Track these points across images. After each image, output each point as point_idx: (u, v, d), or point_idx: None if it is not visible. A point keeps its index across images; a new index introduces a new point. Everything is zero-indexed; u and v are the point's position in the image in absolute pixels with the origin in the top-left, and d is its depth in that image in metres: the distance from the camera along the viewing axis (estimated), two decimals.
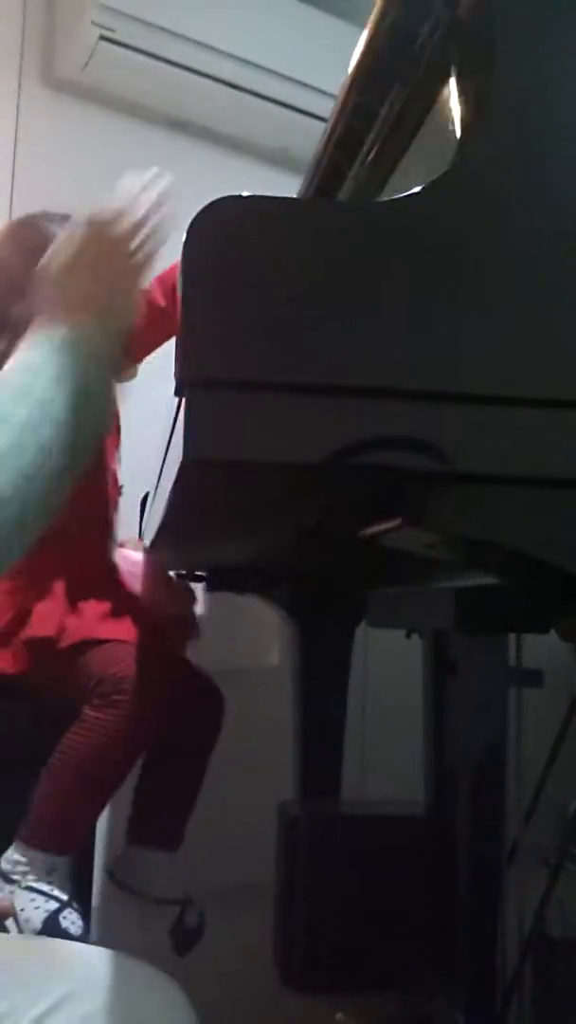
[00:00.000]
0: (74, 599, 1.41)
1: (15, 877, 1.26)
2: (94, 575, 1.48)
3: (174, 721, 1.44)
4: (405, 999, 1.37)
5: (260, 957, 1.52)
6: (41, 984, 0.68)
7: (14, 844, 1.30)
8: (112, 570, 1.54)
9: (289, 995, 1.44)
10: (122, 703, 1.30)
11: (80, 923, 1.26)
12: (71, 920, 1.25)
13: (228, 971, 1.56)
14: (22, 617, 1.39)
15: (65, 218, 1.52)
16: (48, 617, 1.38)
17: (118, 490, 1.62)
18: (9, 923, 1.18)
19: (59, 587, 1.41)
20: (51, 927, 1.22)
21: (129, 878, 1.48)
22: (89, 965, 0.72)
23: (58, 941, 0.79)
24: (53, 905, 1.24)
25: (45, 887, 1.26)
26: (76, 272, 0.78)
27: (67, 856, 1.31)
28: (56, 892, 1.26)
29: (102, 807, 1.39)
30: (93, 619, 1.39)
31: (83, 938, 1.27)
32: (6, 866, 1.28)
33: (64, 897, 1.27)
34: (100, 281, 0.77)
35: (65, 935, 1.22)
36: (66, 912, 1.25)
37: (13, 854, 1.29)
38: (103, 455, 1.54)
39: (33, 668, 1.37)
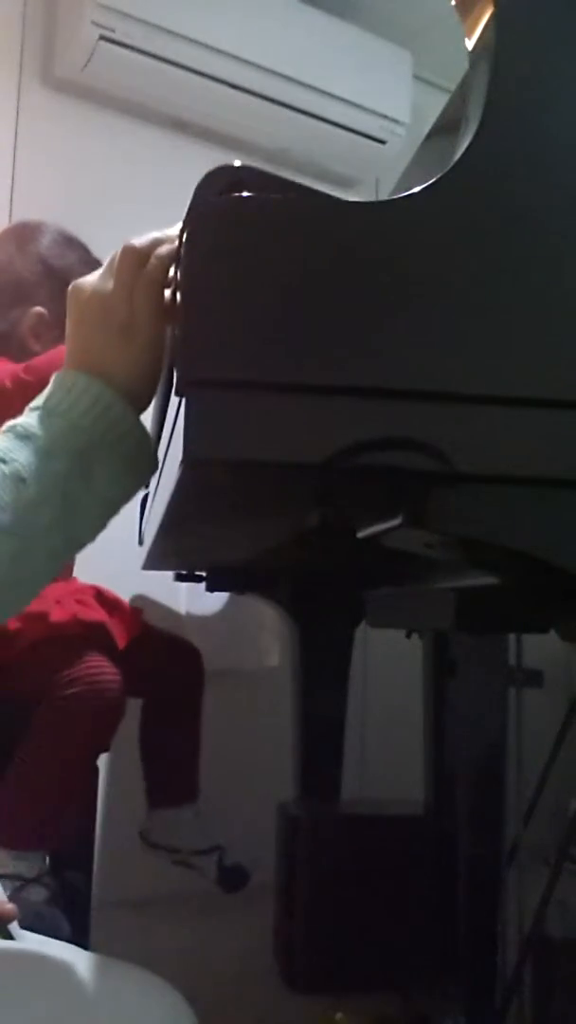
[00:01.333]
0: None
1: None
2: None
3: (157, 685, 1.44)
4: (405, 999, 1.37)
5: (260, 957, 1.53)
6: (40, 991, 0.68)
7: None
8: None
9: (289, 995, 1.44)
10: (70, 696, 1.29)
11: (40, 892, 1.26)
12: (35, 892, 1.25)
13: (228, 971, 1.56)
14: None
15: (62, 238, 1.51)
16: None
17: None
18: (30, 935, 1.18)
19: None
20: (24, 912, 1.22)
21: (162, 839, 1.50)
22: (88, 972, 0.72)
23: (58, 950, 0.79)
24: (15, 884, 1.25)
25: (11, 870, 1.26)
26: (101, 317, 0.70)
27: (40, 851, 1.31)
28: (22, 871, 1.27)
29: (65, 801, 1.39)
30: (38, 618, 1.37)
31: (49, 908, 1.27)
32: None
33: (31, 874, 1.27)
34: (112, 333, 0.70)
35: (38, 916, 1.22)
36: (30, 888, 1.25)
37: None
38: None
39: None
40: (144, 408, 0.69)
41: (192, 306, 0.66)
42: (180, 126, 2.22)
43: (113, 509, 0.68)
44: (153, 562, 1.51)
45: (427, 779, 1.48)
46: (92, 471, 0.65)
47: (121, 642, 1.41)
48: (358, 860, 1.46)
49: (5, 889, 1.28)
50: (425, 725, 1.47)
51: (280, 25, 2.16)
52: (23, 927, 0.82)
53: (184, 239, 0.68)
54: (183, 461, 0.66)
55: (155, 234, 0.71)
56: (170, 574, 1.76)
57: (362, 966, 1.43)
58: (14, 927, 0.83)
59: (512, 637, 1.12)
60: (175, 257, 0.69)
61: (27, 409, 0.67)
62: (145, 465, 0.69)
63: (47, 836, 1.33)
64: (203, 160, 1.76)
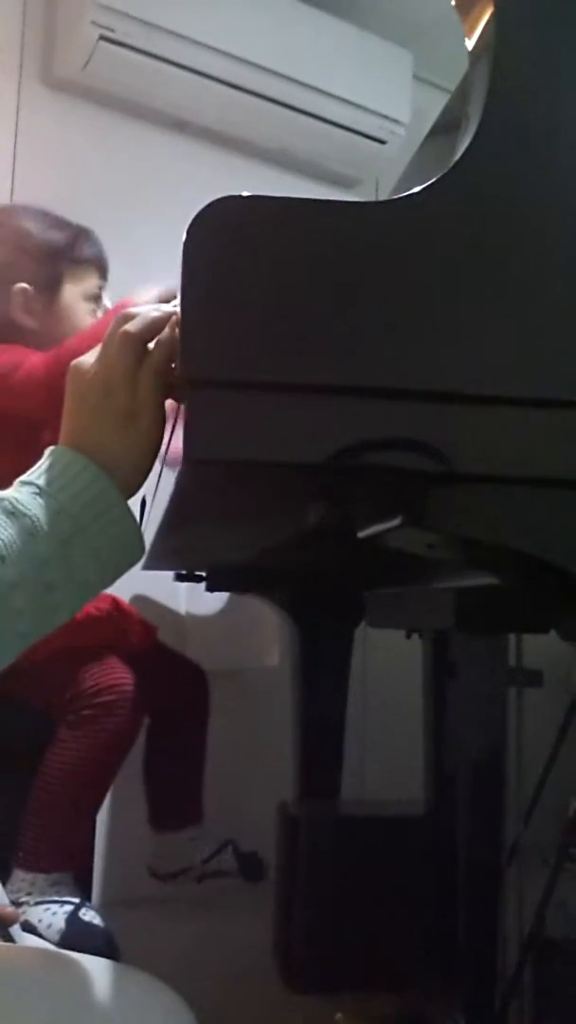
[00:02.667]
0: None
1: (23, 899, 1.26)
2: None
3: (164, 709, 1.43)
4: (405, 999, 1.37)
5: (260, 957, 1.53)
6: (41, 996, 0.68)
7: (14, 871, 1.29)
8: None
9: (289, 995, 1.44)
10: (93, 716, 1.29)
11: (99, 917, 1.26)
12: (91, 915, 1.25)
13: (228, 971, 1.56)
14: None
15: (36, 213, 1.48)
16: None
17: None
18: (31, 938, 1.18)
19: None
20: (74, 924, 1.22)
21: (172, 866, 1.49)
22: (89, 974, 0.72)
23: (58, 953, 0.79)
24: (69, 907, 1.24)
25: (55, 897, 1.26)
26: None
27: (70, 870, 1.31)
28: (67, 897, 1.26)
29: (93, 816, 1.39)
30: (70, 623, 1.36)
31: (106, 931, 1.27)
32: (11, 894, 1.27)
33: (76, 900, 1.27)
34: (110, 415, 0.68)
35: (89, 928, 1.22)
36: (83, 910, 1.25)
37: (16, 880, 1.28)
38: None
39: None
40: (134, 493, 0.68)
41: (192, 306, 0.66)
42: (180, 126, 2.22)
43: (91, 594, 0.66)
44: (153, 562, 1.51)
45: (427, 779, 1.48)
46: (74, 558, 0.63)
47: (136, 649, 1.41)
48: (358, 860, 1.46)
49: (8, 894, 1.28)
50: (425, 725, 1.47)
51: (280, 25, 2.16)
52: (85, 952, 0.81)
53: (184, 239, 0.68)
54: (183, 461, 0.66)
55: (152, 312, 0.69)
56: (170, 574, 1.76)
57: (362, 966, 1.43)
58: (15, 930, 0.83)
59: (512, 637, 1.12)
60: (177, 341, 0.68)
61: (17, 482, 0.65)
62: (130, 555, 0.67)
63: (77, 852, 1.33)
64: (203, 160, 1.79)
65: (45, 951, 0.80)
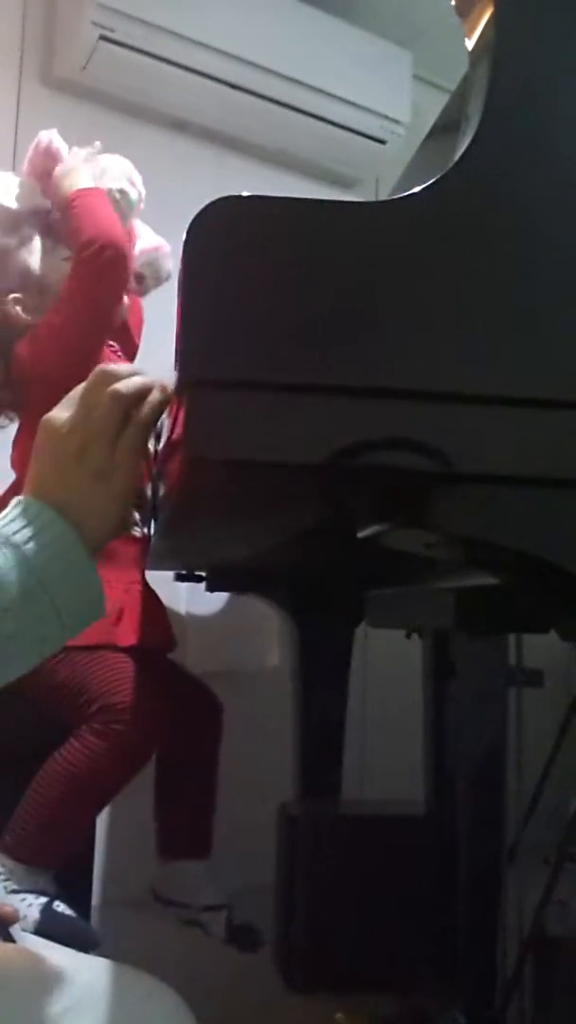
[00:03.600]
0: None
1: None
2: (106, 562, 1.43)
3: (177, 733, 1.42)
4: (405, 999, 1.37)
5: (260, 957, 1.52)
6: (41, 996, 0.68)
7: None
8: (129, 546, 1.50)
9: (289, 995, 1.44)
10: (122, 732, 1.28)
11: (65, 907, 1.26)
12: (63, 907, 1.25)
13: (228, 971, 1.56)
14: None
15: None
16: None
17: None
18: (31, 938, 1.18)
19: None
20: (48, 915, 1.21)
21: (172, 893, 1.48)
22: (89, 976, 0.72)
23: (58, 953, 0.79)
24: (44, 899, 1.24)
25: (29, 887, 1.25)
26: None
27: (51, 869, 1.30)
28: (42, 887, 1.26)
29: (90, 824, 1.38)
30: (105, 622, 1.35)
31: (80, 921, 1.26)
32: None
33: (50, 893, 1.26)
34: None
35: (64, 918, 1.22)
36: (56, 902, 1.24)
37: None
38: None
39: None
40: (99, 549, 0.66)
41: (192, 306, 0.66)
42: (180, 126, 2.22)
43: (48, 650, 0.65)
44: (153, 562, 1.51)
45: (427, 779, 1.48)
46: (34, 613, 0.61)
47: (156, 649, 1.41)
48: (358, 860, 1.45)
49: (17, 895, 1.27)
50: (425, 725, 1.47)
51: (280, 25, 2.16)
52: (59, 942, 0.81)
53: (184, 239, 0.68)
54: (183, 460, 0.66)
55: (139, 378, 0.66)
56: (170, 574, 1.76)
57: (362, 966, 1.43)
58: (15, 930, 0.83)
59: (512, 637, 1.12)
60: (162, 410, 0.66)
61: None
62: (91, 614, 0.66)
63: (63, 854, 1.32)
64: (203, 160, 1.79)
65: (45, 952, 0.80)
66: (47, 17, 2.10)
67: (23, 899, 1.24)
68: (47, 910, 1.22)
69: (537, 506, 0.72)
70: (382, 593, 1.48)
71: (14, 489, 1.42)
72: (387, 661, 1.96)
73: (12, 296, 1.45)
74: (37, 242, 1.49)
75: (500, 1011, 1.08)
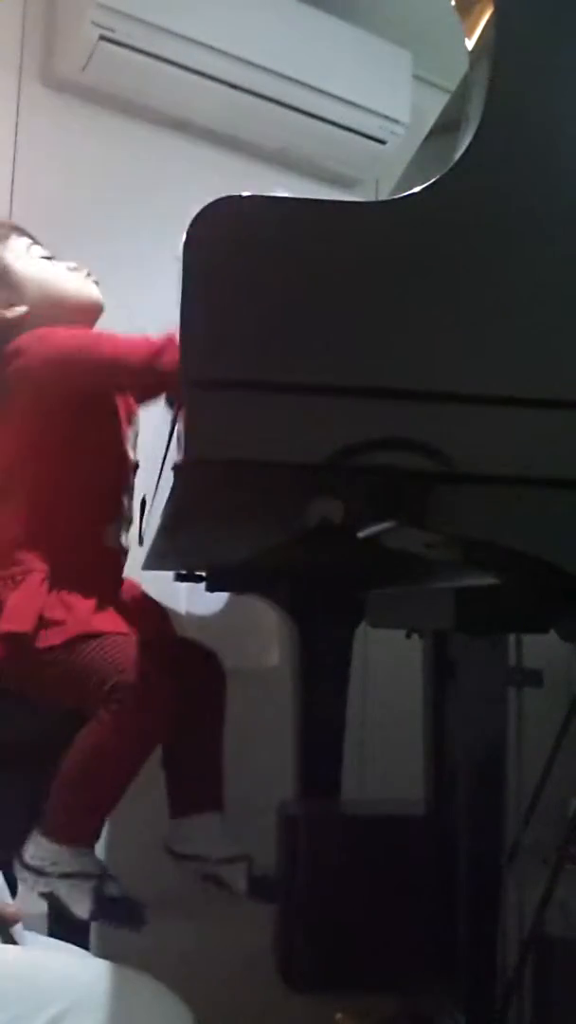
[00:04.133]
0: (58, 588, 1.36)
1: (48, 870, 1.27)
2: (84, 561, 1.43)
3: (184, 696, 1.43)
4: (405, 999, 1.37)
5: (260, 957, 1.52)
6: (43, 997, 0.68)
7: (37, 840, 1.29)
8: (106, 558, 1.51)
9: (289, 995, 1.44)
10: (140, 706, 1.29)
11: (119, 888, 1.29)
12: (113, 888, 1.28)
13: (228, 971, 1.56)
14: None
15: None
16: (23, 610, 1.33)
17: (130, 468, 1.55)
18: (31, 936, 1.19)
19: (37, 576, 1.37)
20: (100, 900, 1.26)
21: (188, 848, 1.49)
22: (89, 978, 0.72)
23: (57, 955, 0.79)
24: (93, 881, 1.26)
25: (78, 868, 1.27)
26: None
27: (93, 845, 1.32)
28: (89, 869, 1.28)
29: (121, 797, 1.39)
30: (85, 612, 1.35)
31: (131, 902, 1.29)
32: (35, 860, 1.28)
33: (97, 872, 1.28)
34: None
35: (115, 903, 1.26)
36: (107, 883, 1.27)
37: (40, 848, 1.29)
38: (108, 430, 1.50)
39: (8, 665, 1.34)
40: None
41: (192, 306, 0.66)
42: (180, 126, 2.22)
43: None
44: (153, 562, 1.51)
45: (427, 779, 1.48)
46: None
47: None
48: (358, 860, 1.45)
49: (31, 860, 1.28)
50: (425, 725, 1.47)
51: (280, 25, 2.15)
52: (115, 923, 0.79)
53: (184, 239, 0.68)
54: (184, 460, 0.66)
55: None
56: (170, 574, 1.76)
57: (362, 966, 1.43)
58: (18, 930, 0.83)
59: (512, 637, 1.12)
60: None
61: None
62: None
63: (99, 829, 1.34)
64: (203, 160, 1.80)
65: (45, 953, 0.80)
66: (47, 17, 2.10)
67: (72, 884, 1.25)
68: (99, 895, 1.24)
69: (537, 506, 0.72)
70: (382, 593, 1.48)
71: None
72: (387, 661, 1.96)
73: None
74: (15, 241, 1.51)
75: (500, 1011, 1.08)
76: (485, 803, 1.07)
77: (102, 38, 1.97)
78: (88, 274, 1.54)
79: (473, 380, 0.69)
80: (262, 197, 0.68)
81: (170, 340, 1.25)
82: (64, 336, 1.40)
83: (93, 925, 1.43)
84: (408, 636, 1.52)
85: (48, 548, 1.38)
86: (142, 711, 1.29)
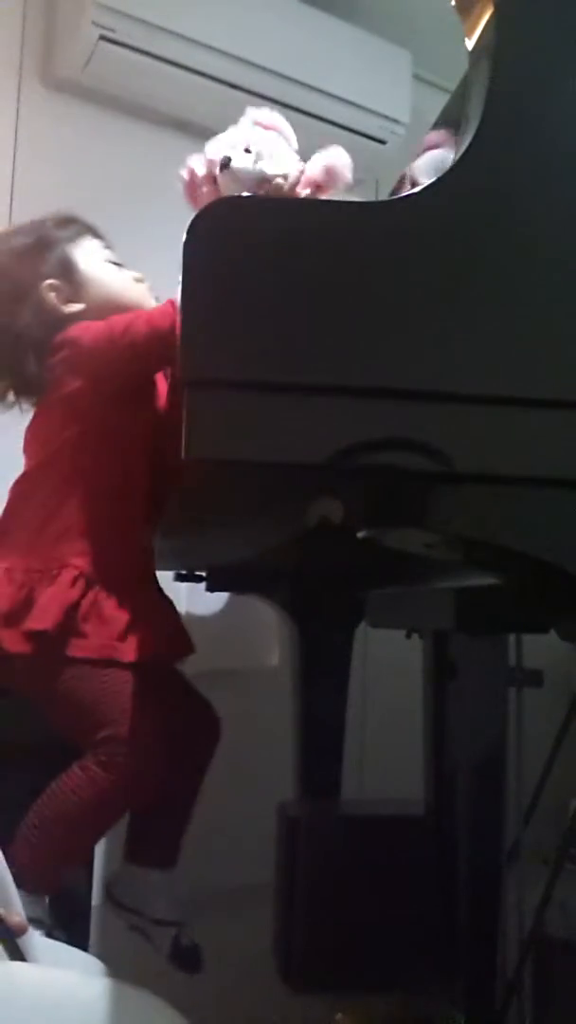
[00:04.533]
0: (95, 589, 1.31)
1: None
2: (122, 562, 1.37)
3: (173, 745, 1.41)
4: (405, 999, 1.37)
5: (260, 957, 1.52)
6: (45, 1016, 0.67)
7: None
8: (144, 558, 1.48)
9: (289, 995, 1.44)
10: (128, 764, 1.27)
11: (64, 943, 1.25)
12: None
13: (228, 971, 1.56)
14: (27, 602, 1.29)
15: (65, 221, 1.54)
16: (49, 607, 1.28)
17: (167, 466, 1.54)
18: (40, 941, 1.17)
19: (70, 573, 1.34)
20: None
21: (126, 897, 1.46)
22: (92, 996, 0.72)
23: (61, 973, 0.78)
24: (44, 929, 1.22)
25: (30, 914, 1.24)
26: None
27: (45, 895, 1.29)
28: (40, 917, 1.24)
29: (91, 850, 1.37)
30: (116, 631, 1.30)
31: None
32: None
33: (48, 922, 1.24)
34: None
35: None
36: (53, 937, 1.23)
37: None
38: (145, 426, 1.48)
39: (32, 666, 1.32)
40: None
41: (192, 306, 0.66)
42: (180, 126, 2.22)
43: None
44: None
45: (427, 779, 1.48)
46: None
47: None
48: (358, 860, 1.45)
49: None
50: (425, 725, 1.47)
51: (280, 25, 2.15)
52: None
53: (184, 239, 0.68)
54: (184, 460, 0.66)
55: None
56: (170, 574, 1.76)
57: (362, 966, 1.43)
58: (27, 940, 0.81)
59: (512, 637, 1.12)
60: None
61: None
62: None
63: (59, 880, 1.29)
64: None
65: (48, 972, 0.79)
66: (47, 17, 2.10)
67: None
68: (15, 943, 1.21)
69: (537, 506, 0.72)
70: (382, 593, 1.48)
71: (26, 477, 1.42)
72: (387, 661, 1.96)
73: (48, 282, 1.47)
74: (88, 242, 1.52)
75: (500, 1011, 1.08)
76: (485, 803, 1.07)
77: (102, 38, 1.97)
78: (150, 288, 1.54)
79: (473, 380, 0.69)
80: (262, 197, 0.68)
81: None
82: (104, 323, 1.41)
83: (93, 924, 1.43)
84: (408, 636, 1.52)
85: (87, 545, 1.36)
86: (131, 770, 1.26)
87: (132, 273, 1.53)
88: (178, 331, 1.22)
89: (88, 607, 1.31)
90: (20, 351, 1.42)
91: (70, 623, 1.29)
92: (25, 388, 1.46)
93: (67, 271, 1.47)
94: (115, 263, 1.52)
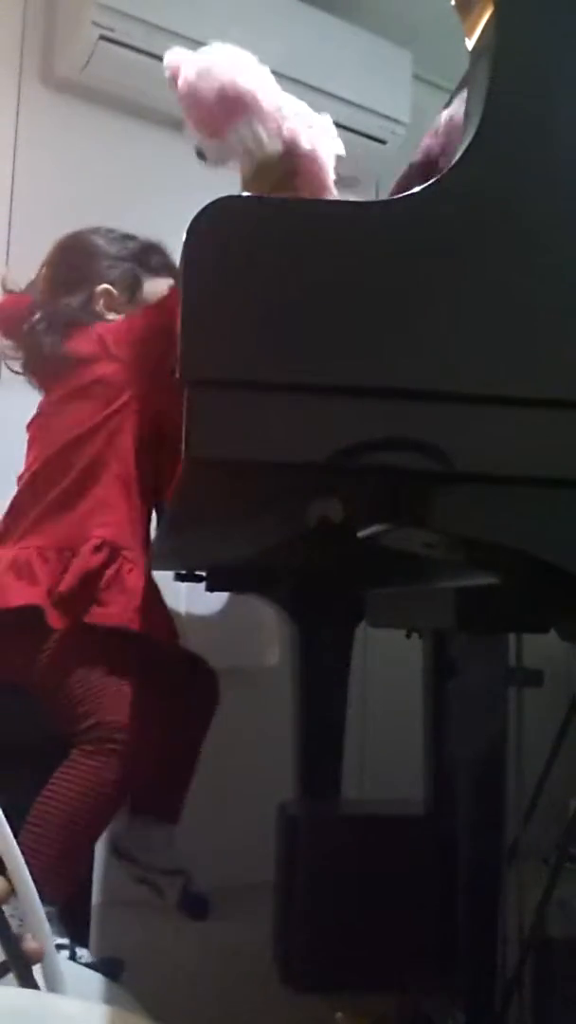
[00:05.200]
0: (118, 562, 1.36)
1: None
2: (142, 538, 1.44)
3: (172, 703, 1.42)
4: (405, 999, 1.37)
5: (260, 957, 1.52)
6: None
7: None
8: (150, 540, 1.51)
9: (289, 995, 1.44)
10: (116, 752, 1.27)
11: (87, 954, 1.24)
12: (83, 956, 1.23)
13: (228, 970, 1.56)
14: (58, 573, 1.33)
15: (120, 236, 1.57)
16: (72, 575, 1.32)
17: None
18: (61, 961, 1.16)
19: (91, 544, 1.35)
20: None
21: (132, 850, 1.48)
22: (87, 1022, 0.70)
23: (64, 1001, 0.77)
24: (64, 954, 1.22)
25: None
26: None
27: (59, 904, 1.29)
28: (57, 939, 1.24)
29: (93, 847, 1.37)
30: (134, 598, 1.33)
31: (101, 965, 1.25)
32: None
33: (65, 941, 1.24)
34: None
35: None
36: (77, 952, 1.22)
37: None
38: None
39: (63, 643, 1.32)
40: None
41: (192, 306, 0.66)
42: (180, 126, 2.22)
43: None
44: (153, 562, 1.51)
45: (427, 779, 1.48)
46: None
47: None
48: (358, 860, 1.45)
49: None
50: (425, 725, 1.47)
51: (280, 25, 2.16)
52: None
53: (184, 239, 0.68)
54: (185, 460, 0.66)
55: None
56: (170, 574, 1.76)
57: (362, 966, 1.43)
58: (47, 967, 0.80)
59: (512, 637, 1.12)
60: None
61: None
62: None
63: (69, 885, 1.29)
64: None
65: (50, 999, 0.77)
66: (47, 17, 2.10)
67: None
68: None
69: (537, 506, 0.72)
70: (382, 593, 1.48)
71: (47, 462, 1.43)
72: (387, 661, 1.96)
73: (104, 287, 1.51)
74: (164, 282, 1.57)
75: (500, 1011, 1.08)
76: (485, 803, 1.07)
77: (102, 38, 1.97)
78: None
79: (473, 380, 0.69)
80: (261, 197, 0.68)
81: None
82: (131, 317, 1.47)
83: (92, 922, 1.43)
84: (408, 636, 1.52)
85: (114, 518, 1.39)
86: (121, 758, 1.26)
87: None
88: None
89: (113, 575, 1.33)
90: (48, 321, 1.46)
91: (92, 590, 1.31)
92: (34, 360, 1.50)
93: (130, 290, 1.56)
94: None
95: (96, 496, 1.41)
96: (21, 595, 1.32)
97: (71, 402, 1.47)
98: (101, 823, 1.33)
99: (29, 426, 1.53)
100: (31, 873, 1.23)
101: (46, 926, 0.81)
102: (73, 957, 1.21)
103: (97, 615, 1.32)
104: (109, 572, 1.35)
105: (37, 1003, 0.73)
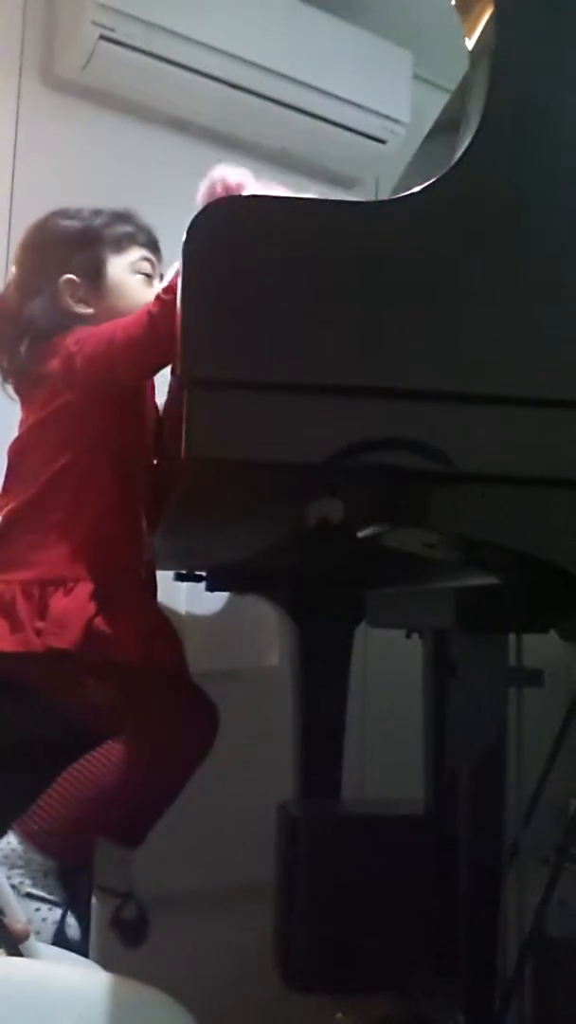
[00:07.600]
0: (106, 601, 1.33)
1: (13, 882, 1.25)
2: (130, 577, 1.41)
3: (172, 738, 1.42)
4: (405, 999, 1.37)
5: (260, 957, 1.52)
6: (49, 1012, 0.67)
7: (13, 832, 1.28)
8: (148, 569, 1.49)
9: (289, 995, 1.44)
10: (167, 748, 1.29)
11: (76, 925, 1.26)
12: (72, 926, 1.25)
13: (228, 971, 1.56)
14: (40, 610, 1.31)
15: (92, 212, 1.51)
16: (71, 622, 1.31)
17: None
18: (42, 948, 1.17)
19: (85, 588, 1.33)
20: (60, 939, 1.22)
21: (111, 882, 1.47)
22: (96, 991, 0.71)
23: (65, 968, 0.78)
24: (56, 913, 1.23)
25: (43, 892, 1.25)
26: None
27: (65, 863, 1.30)
28: (54, 897, 1.26)
29: (114, 823, 1.38)
30: (132, 637, 1.32)
31: (82, 941, 1.26)
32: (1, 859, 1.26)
33: (60, 900, 1.26)
34: None
35: (71, 944, 1.22)
36: (68, 919, 1.24)
37: (11, 844, 1.27)
38: (142, 434, 1.45)
39: (52, 677, 1.34)
40: None
41: (193, 306, 0.66)
42: (180, 126, 2.22)
43: None
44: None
45: (427, 779, 1.48)
46: None
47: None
48: (358, 860, 1.45)
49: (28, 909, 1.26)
50: (425, 725, 1.47)
51: (280, 25, 2.15)
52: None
53: (184, 239, 0.68)
54: (184, 460, 0.66)
55: None
56: (170, 574, 1.76)
57: (362, 966, 1.43)
58: (29, 946, 0.81)
59: (512, 637, 1.12)
60: None
61: None
62: None
63: (80, 850, 1.31)
64: (203, 160, 1.80)
65: (52, 967, 0.78)
66: (47, 17, 2.10)
67: (37, 909, 1.23)
68: (60, 933, 1.22)
69: (537, 506, 0.72)
70: (382, 593, 1.48)
71: (25, 502, 1.40)
72: (387, 661, 1.96)
73: (67, 277, 1.45)
74: (133, 252, 1.49)
75: (500, 1012, 1.08)
76: (485, 803, 1.07)
77: (102, 38, 1.97)
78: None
79: (473, 380, 0.69)
80: (261, 197, 0.68)
81: (166, 290, 1.23)
82: (96, 335, 1.39)
83: (94, 920, 1.43)
84: (408, 636, 1.52)
85: (99, 559, 1.36)
86: (166, 755, 1.29)
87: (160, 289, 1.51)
88: (154, 337, 1.22)
89: (107, 619, 1.32)
90: (19, 331, 1.42)
91: (91, 637, 1.30)
92: (11, 372, 1.45)
93: (93, 274, 1.45)
94: (148, 275, 1.50)
95: (77, 535, 1.37)
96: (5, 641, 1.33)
97: (39, 434, 1.40)
98: (117, 806, 1.34)
99: (9, 450, 1.49)
100: (54, 827, 1.25)
101: (16, 906, 0.82)
102: (63, 923, 1.22)
103: (96, 653, 1.32)
104: (103, 616, 1.33)
105: (37, 972, 0.74)
